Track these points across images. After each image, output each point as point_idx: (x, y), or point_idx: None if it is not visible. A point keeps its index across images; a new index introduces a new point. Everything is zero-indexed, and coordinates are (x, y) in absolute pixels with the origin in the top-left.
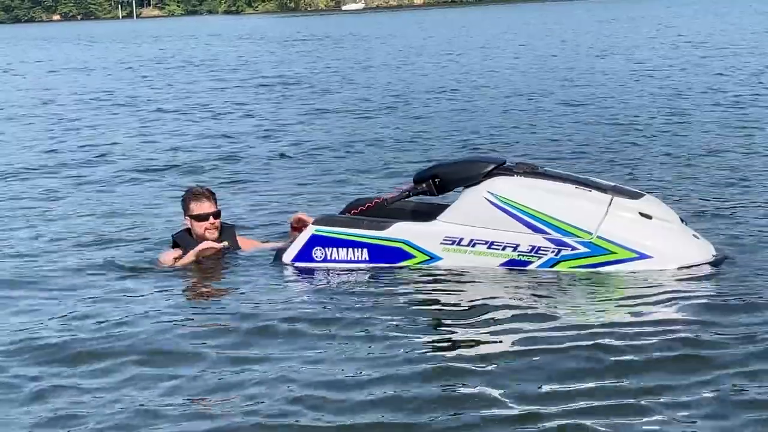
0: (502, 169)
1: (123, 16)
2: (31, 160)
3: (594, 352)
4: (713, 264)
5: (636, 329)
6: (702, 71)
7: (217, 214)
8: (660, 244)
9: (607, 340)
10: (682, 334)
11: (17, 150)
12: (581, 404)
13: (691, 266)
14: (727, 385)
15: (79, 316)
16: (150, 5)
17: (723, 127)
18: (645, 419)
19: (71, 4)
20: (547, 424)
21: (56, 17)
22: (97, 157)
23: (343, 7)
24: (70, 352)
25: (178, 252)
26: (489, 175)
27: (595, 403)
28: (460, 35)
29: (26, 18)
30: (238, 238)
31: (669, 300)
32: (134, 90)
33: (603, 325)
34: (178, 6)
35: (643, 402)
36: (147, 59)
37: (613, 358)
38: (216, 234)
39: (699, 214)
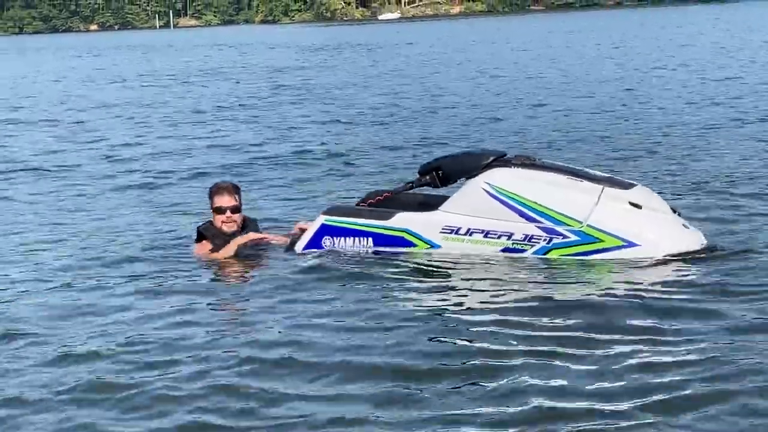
0: (500, 161)
1: (160, 26)
2: (93, 160)
3: (577, 338)
4: (702, 253)
5: (616, 314)
6: None
7: (235, 209)
8: (648, 233)
9: (582, 321)
10: (662, 320)
11: (80, 149)
12: (563, 382)
13: (680, 255)
14: (708, 374)
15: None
16: (187, 15)
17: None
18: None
19: (108, 14)
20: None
21: (93, 27)
22: (148, 157)
23: (379, 17)
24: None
25: (207, 244)
26: (488, 166)
27: (578, 384)
28: (505, 44)
29: (64, 28)
30: (261, 232)
31: (652, 286)
32: (174, 97)
33: (582, 309)
34: (215, 16)
35: (625, 383)
36: (181, 68)
37: (590, 343)
38: (234, 227)
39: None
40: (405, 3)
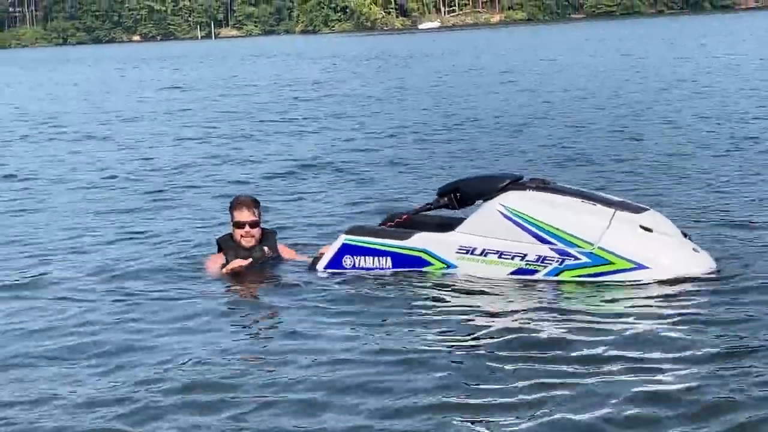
0: (516, 184)
1: (201, 37)
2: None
3: (580, 363)
4: (711, 276)
5: (621, 337)
6: None
7: (253, 224)
8: (657, 256)
9: (593, 348)
10: (667, 340)
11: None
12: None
13: (689, 278)
14: (715, 394)
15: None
16: (228, 25)
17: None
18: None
19: (151, 25)
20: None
21: (136, 38)
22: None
23: (419, 26)
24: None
25: (221, 257)
26: (504, 189)
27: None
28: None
29: (107, 39)
30: (278, 245)
31: (660, 309)
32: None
33: (592, 333)
34: (256, 26)
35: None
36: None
37: (594, 365)
38: (251, 242)
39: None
40: (445, 12)
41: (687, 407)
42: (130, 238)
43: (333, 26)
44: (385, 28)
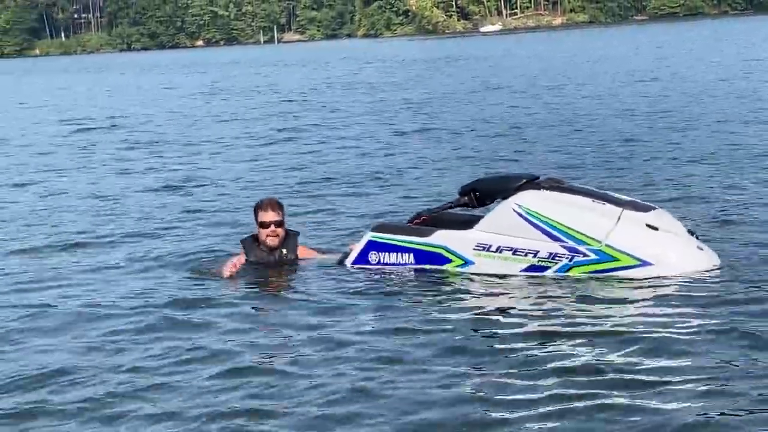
0: (531, 183)
1: (264, 41)
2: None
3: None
4: (714, 273)
5: (625, 331)
6: None
7: (278, 223)
8: (662, 253)
9: (596, 345)
10: (665, 336)
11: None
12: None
13: (692, 274)
14: (719, 387)
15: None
16: (291, 30)
17: None
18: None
19: (214, 30)
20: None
21: (199, 43)
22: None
23: (481, 29)
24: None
25: (235, 260)
26: (519, 188)
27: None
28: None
29: (170, 44)
30: (299, 246)
31: (663, 304)
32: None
33: (593, 331)
34: (318, 30)
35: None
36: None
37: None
38: (276, 241)
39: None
40: (506, 15)
41: (694, 413)
42: (160, 237)
43: (395, 30)
44: (447, 32)
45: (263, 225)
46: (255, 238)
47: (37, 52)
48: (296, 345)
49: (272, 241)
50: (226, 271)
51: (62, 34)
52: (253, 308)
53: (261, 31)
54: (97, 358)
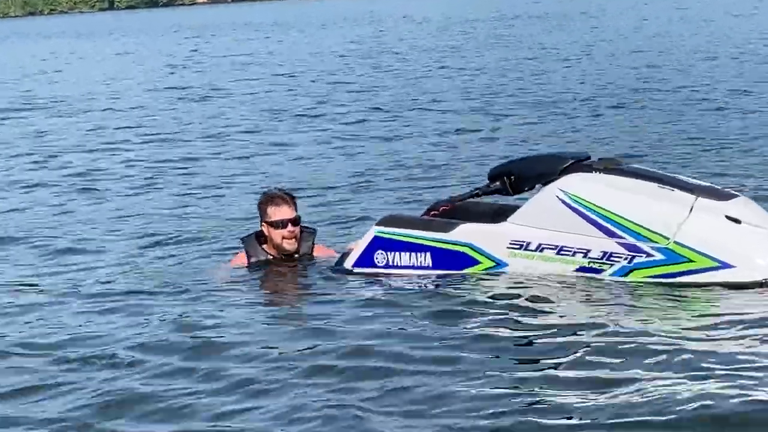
0: (580, 165)
1: None
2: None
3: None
4: None
5: (708, 354)
6: None
7: (296, 221)
8: (746, 252)
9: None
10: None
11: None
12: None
13: None
14: None
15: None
16: None
17: None
18: None
19: None
20: None
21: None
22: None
23: None
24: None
25: (243, 258)
26: (566, 171)
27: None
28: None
29: (163, 2)
30: (316, 246)
31: (752, 321)
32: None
33: (671, 350)
34: None
35: None
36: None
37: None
38: (294, 244)
39: None
40: None
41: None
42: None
43: None
44: None
45: (277, 225)
46: (258, 237)
47: None
48: (300, 355)
49: (290, 245)
50: (225, 275)
51: None
52: (251, 318)
53: None
54: (86, 367)
